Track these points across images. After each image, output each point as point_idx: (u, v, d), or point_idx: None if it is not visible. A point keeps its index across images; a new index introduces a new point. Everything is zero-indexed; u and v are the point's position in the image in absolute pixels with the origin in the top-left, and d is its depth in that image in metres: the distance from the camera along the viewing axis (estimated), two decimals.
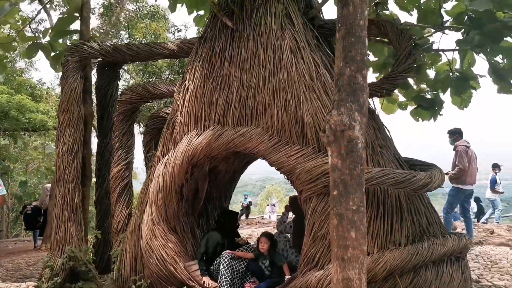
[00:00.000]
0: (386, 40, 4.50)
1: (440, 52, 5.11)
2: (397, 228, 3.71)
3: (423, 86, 5.81)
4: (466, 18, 4.56)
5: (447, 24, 4.78)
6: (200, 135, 4.23)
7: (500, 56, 4.95)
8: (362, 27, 1.67)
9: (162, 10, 12.08)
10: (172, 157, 4.36)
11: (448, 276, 3.65)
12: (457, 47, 4.70)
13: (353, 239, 1.69)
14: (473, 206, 13.80)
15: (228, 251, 4.40)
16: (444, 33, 5.01)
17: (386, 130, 4.39)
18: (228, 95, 4.20)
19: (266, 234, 4.60)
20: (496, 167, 12.10)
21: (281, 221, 5.20)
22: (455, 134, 6.73)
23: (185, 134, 4.36)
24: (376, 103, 5.25)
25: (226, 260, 4.20)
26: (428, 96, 5.82)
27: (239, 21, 4.26)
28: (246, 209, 16.99)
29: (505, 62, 5.02)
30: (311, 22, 4.32)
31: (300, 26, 4.06)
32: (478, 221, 13.01)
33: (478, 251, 6.35)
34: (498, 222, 11.92)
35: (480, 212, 13.55)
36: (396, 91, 5.76)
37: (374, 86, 4.15)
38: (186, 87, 4.44)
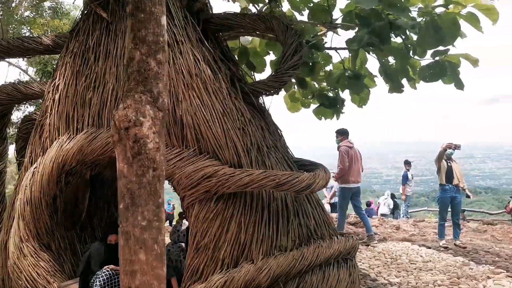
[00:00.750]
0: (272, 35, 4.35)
1: (336, 51, 5.10)
2: (283, 232, 3.53)
3: (324, 84, 5.79)
4: (355, 16, 4.55)
5: (338, 22, 4.76)
6: (72, 139, 3.78)
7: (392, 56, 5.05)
8: (155, 0, 1.39)
9: (65, 7, 11.24)
10: (40, 165, 3.85)
11: (334, 279, 3.54)
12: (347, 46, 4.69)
13: (143, 262, 1.38)
14: (390, 203, 14.41)
15: (110, 266, 3.98)
16: (335, 32, 4.99)
17: (277, 130, 4.25)
18: (103, 94, 3.79)
19: None
20: (407, 163, 12.69)
21: (174, 230, 4.86)
22: (342, 135, 6.87)
23: (55, 139, 3.88)
24: (268, 101, 5.13)
25: (102, 278, 3.77)
26: (331, 95, 5.82)
27: (115, 13, 3.87)
28: (170, 215, 16.39)
29: (395, 62, 5.13)
30: (196, 16, 4.05)
31: (180, 19, 3.77)
32: (393, 217, 13.57)
33: (381, 248, 6.46)
34: (408, 217, 12.50)
35: (396, 208, 14.15)
36: (296, 88, 5.68)
37: (260, 84, 3.97)
38: (56, 85, 3.96)
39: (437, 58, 4.76)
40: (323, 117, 5.95)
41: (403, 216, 12.66)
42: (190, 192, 3.48)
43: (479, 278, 4.86)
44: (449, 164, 6.80)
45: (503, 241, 7.56)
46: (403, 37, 4.83)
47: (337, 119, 5.93)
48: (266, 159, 3.70)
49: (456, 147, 6.67)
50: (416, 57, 4.93)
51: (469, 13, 4.38)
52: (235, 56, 4.80)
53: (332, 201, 13.78)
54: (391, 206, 14.24)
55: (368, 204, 14.98)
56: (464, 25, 4.24)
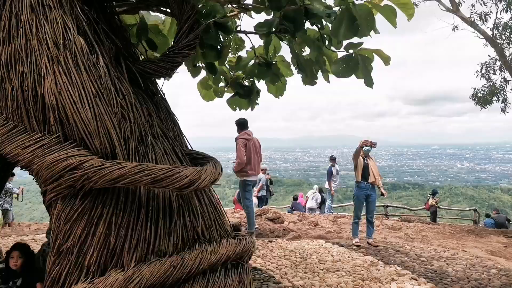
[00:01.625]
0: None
1: (246, 35, 4.70)
2: (163, 235, 3.08)
3: (240, 72, 5.39)
4: None
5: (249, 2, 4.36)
6: None
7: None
8: None
9: None
10: None
11: (220, 287, 3.15)
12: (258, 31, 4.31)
13: None
14: (318, 197, 14.47)
15: None
16: (248, 14, 4.59)
17: (171, 117, 3.77)
18: None
19: (18, 247, 3.63)
20: (332, 159, 12.75)
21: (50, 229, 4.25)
22: (241, 126, 6.69)
23: None
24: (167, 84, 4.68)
25: None
26: (246, 84, 5.44)
27: None
28: None
29: (310, 53, 4.83)
30: None
31: None
32: (321, 211, 13.62)
33: (293, 246, 6.23)
34: (331, 213, 12.58)
35: (323, 202, 14.22)
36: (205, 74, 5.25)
37: (150, 64, 3.47)
38: None
39: (350, 51, 4.52)
40: (237, 108, 5.57)
41: (327, 212, 12.73)
42: (52, 186, 2.92)
43: (384, 280, 4.73)
44: (365, 161, 6.72)
45: (415, 240, 7.68)
46: (319, 26, 4.54)
47: (252, 110, 5.59)
48: (150, 150, 3.22)
49: (373, 144, 6.60)
50: (332, 48, 4.67)
51: (386, 5, 4.15)
52: (133, 32, 4.25)
53: (260, 194, 13.60)
54: (319, 201, 14.31)
55: (295, 198, 14.97)
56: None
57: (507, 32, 9.75)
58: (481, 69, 10.83)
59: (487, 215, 15.44)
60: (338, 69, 4.52)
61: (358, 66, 4.45)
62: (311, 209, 14.06)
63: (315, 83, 4.89)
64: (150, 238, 3.03)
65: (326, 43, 4.77)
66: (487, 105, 10.96)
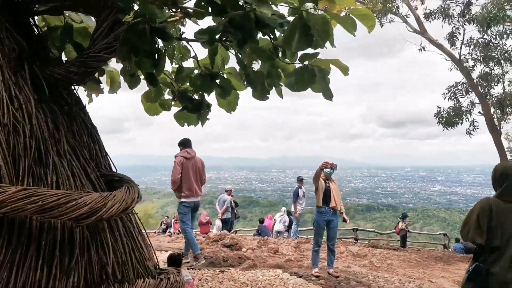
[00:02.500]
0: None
1: (187, 43, 4.26)
2: (60, 276, 2.51)
3: (188, 84, 4.92)
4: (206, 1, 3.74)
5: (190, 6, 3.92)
6: None
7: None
8: None
9: None
10: None
11: None
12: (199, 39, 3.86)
13: None
14: (286, 220, 13.95)
15: None
16: (193, 20, 4.15)
17: (90, 130, 3.24)
18: None
19: None
20: (299, 180, 12.30)
21: None
22: (183, 146, 6.33)
23: None
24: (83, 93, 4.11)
25: None
26: (196, 97, 4.97)
27: None
28: None
29: (261, 65, 4.42)
30: None
31: None
32: (289, 234, 13.08)
33: (247, 278, 5.68)
34: (296, 237, 12.06)
35: (291, 225, 13.69)
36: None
37: (60, 69, 2.95)
38: None
39: (306, 63, 4.11)
40: (186, 123, 5.08)
41: (292, 236, 12.21)
42: None
43: None
44: (327, 184, 6.28)
45: (380, 268, 7.24)
46: (271, 36, 4.13)
47: (202, 126, 5.12)
48: (51, 171, 2.67)
49: (333, 166, 6.19)
50: (287, 60, 4.25)
51: (345, 17, 3.78)
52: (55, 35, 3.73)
53: (224, 216, 13.01)
54: (287, 223, 13.81)
55: (261, 220, 14.43)
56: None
57: (476, 52, 9.68)
58: (449, 92, 10.72)
59: (457, 240, 15.22)
60: (293, 82, 4.08)
61: (315, 78, 4.04)
62: (278, 232, 13.53)
63: (267, 98, 4.45)
64: (41, 280, 2.46)
65: (280, 54, 4.35)
66: (452, 127, 10.82)
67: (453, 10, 10.06)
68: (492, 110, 10.60)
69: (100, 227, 2.77)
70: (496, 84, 10.35)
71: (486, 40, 9.66)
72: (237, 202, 13.70)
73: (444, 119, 10.58)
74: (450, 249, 15.11)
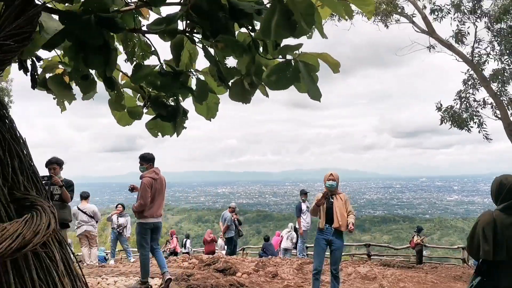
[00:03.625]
0: None
1: (143, 36, 3.63)
2: None
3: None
4: None
5: None
6: None
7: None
8: None
9: None
10: None
11: None
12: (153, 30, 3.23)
13: None
14: (293, 236, 13.12)
15: None
16: (154, 10, 3.54)
17: (13, 146, 2.60)
18: None
19: None
20: (303, 193, 11.52)
21: None
22: (148, 161, 5.78)
23: None
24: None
25: None
26: (171, 103, 4.32)
27: None
28: None
29: (238, 62, 3.77)
30: None
31: None
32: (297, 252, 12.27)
33: None
34: (304, 256, 11.26)
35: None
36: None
37: None
38: None
39: (289, 57, 3.43)
40: (160, 133, 4.43)
41: (299, 255, 11.40)
42: None
43: None
44: (331, 201, 5.44)
45: None
46: (250, 27, 3.47)
47: (177, 136, 4.46)
48: None
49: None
50: (270, 55, 3.57)
51: (339, 1, 3.12)
52: None
53: (227, 235, 12.24)
54: (295, 240, 12.96)
55: (266, 238, 13.63)
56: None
57: (488, 49, 8.88)
58: (459, 97, 9.89)
59: None
60: (272, 79, 3.40)
61: (299, 75, 3.35)
62: (286, 250, 12.69)
63: (248, 100, 3.77)
64: None
65: (261, 49, 3.66)
66: (462, 128, 9.93)
67: (463, 7, 9.33)
68: (510, 113, 9.79)
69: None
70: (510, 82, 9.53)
71: (500, 35, 8.90)
72: (240, 221, 12.95)
73: (453, 118, 9.72)
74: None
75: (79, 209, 9.29)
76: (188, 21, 3.27)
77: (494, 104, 9.58)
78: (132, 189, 6.01)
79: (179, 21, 3.32)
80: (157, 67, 3.62)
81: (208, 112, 4.27)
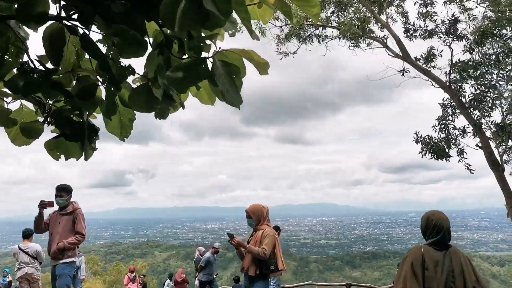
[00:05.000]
0: None
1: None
2: None
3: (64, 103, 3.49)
4: None
5: None
6: None
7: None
8: None
9: None
10: None
11: None
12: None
13: None
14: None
15: None
16: None
17: None
18: None
19: None
20: (276, 229, 10.62)
21: None
22: (69, 193, 5.24)
23: None
24: None
25: None
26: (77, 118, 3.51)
27: None
28: None
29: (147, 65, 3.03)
30: None
31: None
32: None
33: None
34: None
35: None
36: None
37: None
38: None
39: (205, 55, 2.69)
40: (63, 155, 3.59)
41: None
42: None
43: None
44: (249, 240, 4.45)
45: None
46: (160, 21, 2.74)
47: (86, 159, 3.63)
48: None
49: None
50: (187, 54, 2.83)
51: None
52: None
53: (203, 278, 11.08)
54: (271, 280, 11.92)
55: (236, 279, 12.54)
56: None
57: (466, 74, 8.33)
58: (439, 123, 9.33)
59: None
60: (176, 77, 2.63)
61: (205, 72, 2.59)
62: None
63: (154, 109, 3.01)
64: None
65: (174, 47, 2.92)
66: (442, 159, 9.28)
67: (437, 27, 8.91)
68: (492, 143, 9.22)
69: None
70: (491, 109, 8.98)
71: (477, 59, 8.44)
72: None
73: (431, 148, 9.07)
74: None
75: (20, 248, 8.30)
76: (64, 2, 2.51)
77: (474, 133, 9.02)
78: (44, 206, 5.03)
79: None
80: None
81: (122, 131, 3.43)
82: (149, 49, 2.52)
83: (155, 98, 2.81)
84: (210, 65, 2.42)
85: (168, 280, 15.34)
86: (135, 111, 3.36)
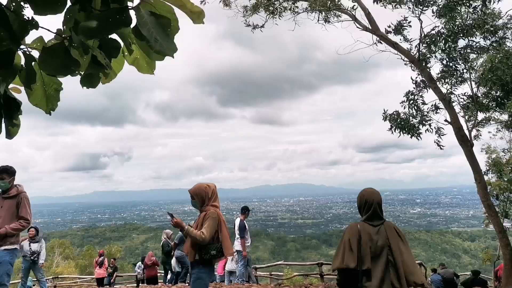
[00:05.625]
0: None
1: None
2: None
3: None
4: None
5: None
6: None
7: None
8: None
9: None
10: None
11: None
12: None
13: None
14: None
15: None
16: None
17: None
18: None
19: None
20: (245, 211, 10.32)
21: None
22: (12, 176, 4.87)
23: None
24: None
25: None
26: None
27: None
28: None
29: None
30: None
31: None
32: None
33: None
34: (242, 281, 10.03)
35: (248, 262, 11.54)
36: None
37: None
38: None
39: (130, 4, 2.26)
40: None
41: (238, 279, 10.15)
42: None
43: None
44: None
45: None
46: None
47: (10, 138, 3.18)
48: None
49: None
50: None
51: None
52: None
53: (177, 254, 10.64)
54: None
55: None
56: None
57: (436, 47, 8.07)
58: (407, 100, 9.09)
59: (434, 270, 13.48)
60: (87, 27, 2.19)
61: (127, 20, 2.15)
62: (231, 273, 11.37)
63: (71, 71, 2.57)
64: None
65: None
66: (410, 134, 9.09)
67: None
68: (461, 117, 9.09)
69: None
70: (461, 82, 8.80)
71: (447, 33, 8.17)
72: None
73: (399, 123, 8.84)
74: (428, 279, 13.37)
75: None
76: None
77: (443, 107, 8.83)
78: None
79: None
80: None
81: (47, 103, 2.97)
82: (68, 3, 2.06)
83: (72, 59, 2.35)
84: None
85: (139, 263, 15.00)
86: (60, 80, 2.90)
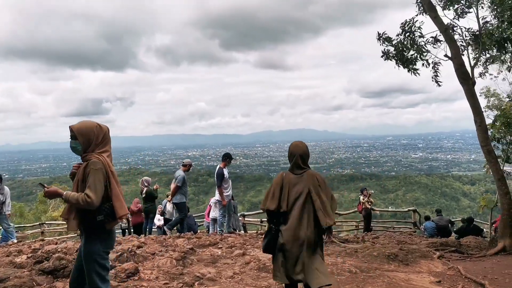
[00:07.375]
0: None
1: None
2: None
3: None
4: None
5: None
6: None
7: None
8: None
9: None
10: None
11: None
12: None
13: None
14: None
15: None
16: None
17: None
18: None
19: None
20: (226, 158, 9.54)
21: None
22: None
23: None
24: None
25: None
26: None
27: None
28: None
29: None
30: None
31: None
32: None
33: None
34: (221, 231, 9.47)
35: (234, 210, 10.97)
36: None
37: None
38: None
39: None
40: None
41: (218, 230, 9.58)
42: None
43: None
44: None
45: None
46: None
47: None
48: None
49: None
50: None
51: None
52: None
53: (177, 200, 9.87)
54: None
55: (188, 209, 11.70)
56: None
57: None
58: (403, 31, 7.99)
59: (427, 218, 12.92)
60: None
61: None
62: (215, 220, 10.79)
63: None
64: None
65: None
66: (406, 66, 8.12)
67: None
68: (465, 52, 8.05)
69: None
70: (464, 15, 7.68)
71: None
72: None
73: (396, 52, 7.84)
74: (421, 226, 12.91)
75: None
76: None
77: (444, 40, 7.75)
78: None
79: None
80: None
81: None
82: None
83: None
84: None
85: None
86: None
